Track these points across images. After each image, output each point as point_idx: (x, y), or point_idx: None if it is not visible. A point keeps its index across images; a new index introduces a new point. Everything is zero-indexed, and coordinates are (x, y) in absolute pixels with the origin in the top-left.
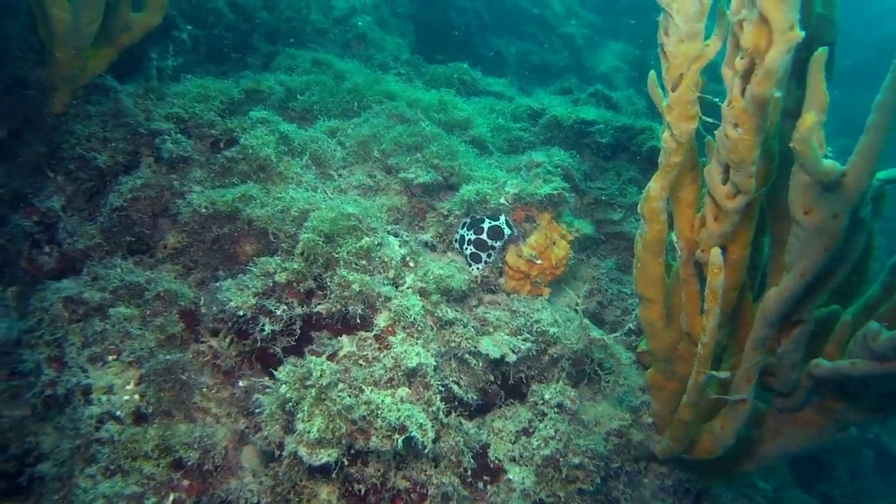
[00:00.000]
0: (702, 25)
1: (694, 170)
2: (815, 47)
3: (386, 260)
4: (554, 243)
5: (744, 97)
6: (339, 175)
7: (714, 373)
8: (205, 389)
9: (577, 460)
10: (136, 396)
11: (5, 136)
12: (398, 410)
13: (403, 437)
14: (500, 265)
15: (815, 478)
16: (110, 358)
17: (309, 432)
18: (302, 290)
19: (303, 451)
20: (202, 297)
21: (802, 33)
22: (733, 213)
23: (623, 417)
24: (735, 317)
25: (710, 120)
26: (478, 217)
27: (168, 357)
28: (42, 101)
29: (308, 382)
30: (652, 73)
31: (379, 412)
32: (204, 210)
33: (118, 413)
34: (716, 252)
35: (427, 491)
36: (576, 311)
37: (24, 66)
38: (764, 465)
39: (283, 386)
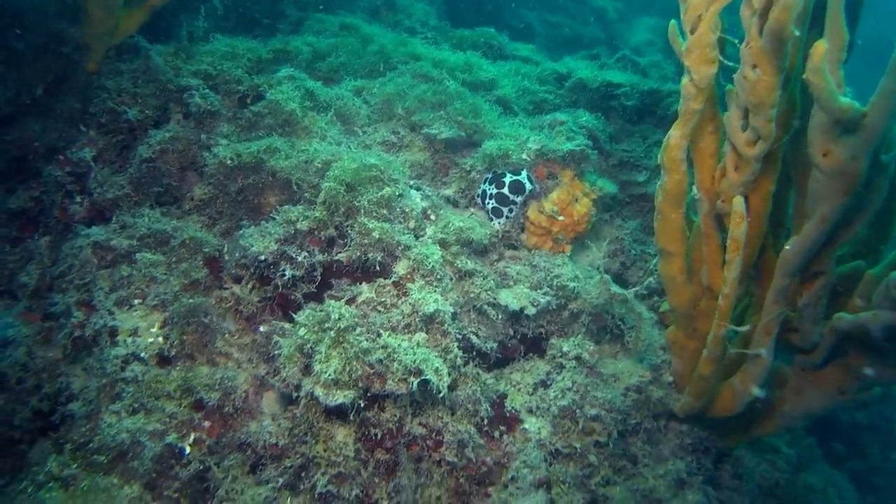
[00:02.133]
0: None
1: (714, 119)
2: None
3: (407, 210)
4: (576, 200)
5: (762, 36)
6: (364, 132)
7: (734, 327)
8: (227, 335)
9: (594, 412)
10: (160, 339)
11: (41, 93)
12: (414, 354)
13: (419, 380)
14: (522, 221)
15: (846, 455)
16: (136, 301)
17: (325, 373)
18: (323, 238)
19: (319, 391)
20: (226, 246)
21: None
22: (754, 161)
23: (643, 374)
24: (757, 274)
25: (730, 64)
26: (499, 172)
27: (191, 301)
28: (76, 59)
29: (326, 325)
30: (673, 22)
31: (395, 356)
32: (229, 161)
33: (143, 354)
34: (738, 200)
35: (443, 438)
36: (597, 268)
37: (60, 25)
38: (786, 426)
39: (302, 328)
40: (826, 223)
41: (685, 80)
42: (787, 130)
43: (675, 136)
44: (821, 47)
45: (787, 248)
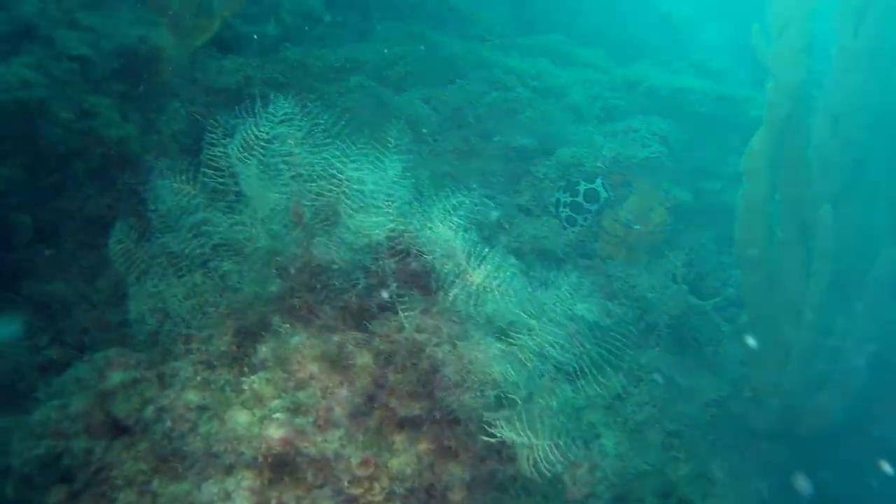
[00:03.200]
0: None
1: (801, 125)
2: None
3: (481, 219)
4: (651, 209)
5: (857, 37)
6: (434, 139)
7: (821, 339)
8: (298, 344)
9: (672, 427)
10: (234, 347)
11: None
12: (490, 366)
13: (495, 392)
14: (596, 229)
15: None
16: (210, 310)
17: (401, 384)
18: (397, 248)
19: (394, 402)
20: (300, 254)
21: None
22: (842, 169)
23: (721, 389)
24: (846, 287)
25: (820, 67)
26: (573, 180)
27: (264, 309)
28: (151, 68)
29: (402, 335)
30: (756, 25)
31: (471, 367)
32: (303, 170)
33: (215, 363)
34: (826, 210)
35: (517, 452)
36: (673, 278)
37: (135, 37)
38: (876, 447)
39: (376, 339)
40: None
41: (771, 85)
42: (880, 136)
43: (760, 142)
44: None
45: (880, 262)
